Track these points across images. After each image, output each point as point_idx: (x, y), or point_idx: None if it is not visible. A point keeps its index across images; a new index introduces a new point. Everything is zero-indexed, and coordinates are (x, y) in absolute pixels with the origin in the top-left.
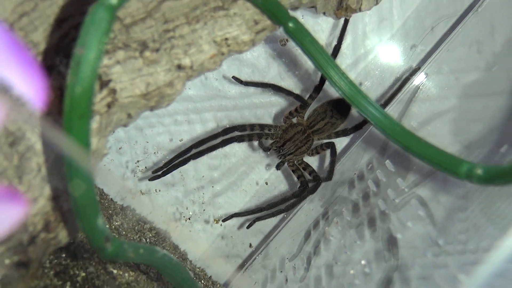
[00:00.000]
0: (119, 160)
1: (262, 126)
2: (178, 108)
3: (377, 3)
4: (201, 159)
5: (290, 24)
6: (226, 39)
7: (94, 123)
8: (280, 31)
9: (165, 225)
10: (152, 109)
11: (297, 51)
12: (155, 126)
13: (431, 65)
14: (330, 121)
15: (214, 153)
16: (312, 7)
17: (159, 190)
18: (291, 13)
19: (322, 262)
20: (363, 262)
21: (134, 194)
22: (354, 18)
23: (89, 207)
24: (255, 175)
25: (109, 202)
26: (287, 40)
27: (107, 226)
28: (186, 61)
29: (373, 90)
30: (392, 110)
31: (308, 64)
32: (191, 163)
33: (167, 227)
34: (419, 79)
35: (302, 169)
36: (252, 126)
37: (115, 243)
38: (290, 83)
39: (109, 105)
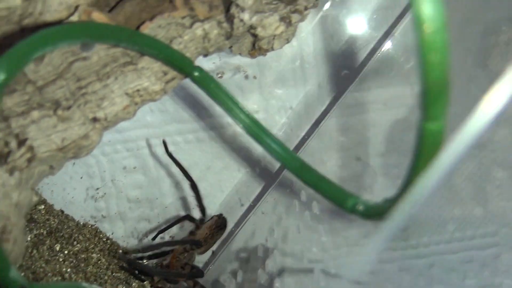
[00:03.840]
0: (80, 189)
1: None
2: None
3: (288, 42)
4: None
5: (196, 73)
6: (138, 90)
7: (13, 180)
8: None
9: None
10: (72, 158)
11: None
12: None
13: None
14: None
15: None
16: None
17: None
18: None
19: None
20: None
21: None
22: None
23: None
24: None
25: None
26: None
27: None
28: (100, 114)
29: None
30: None
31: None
32: None
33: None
34: None
35: None
36: None
37: None
38: None
39: (29, 160)
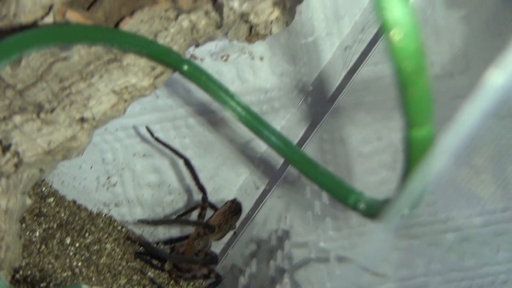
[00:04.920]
0: (90, 178)
1: None
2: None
3: (287, 25)
4: None
5: (184, 67)
6: (126, 87)
7: None
8: None
9: None
10: (63, 160)
11: None
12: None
13: None
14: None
15: None
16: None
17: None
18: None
19: None
20: None
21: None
22: None
23: None
24: None
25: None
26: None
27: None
28: (87, 114)
29: None
30: None
31: None
32: None
33: None
34: None
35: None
36: None
37: None
38: None
39: (16, 166)
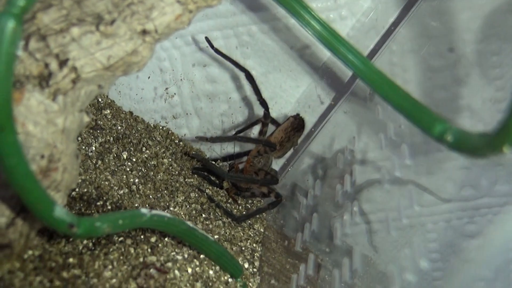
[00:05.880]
0: (148, 88)
1: None
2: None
3: None
4: None
5: None
6: None
7: (56, 105)
8: None
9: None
10: (122, 75)
11: None
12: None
13: None
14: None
15: None
16: None
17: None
18: None
19: None
20: None
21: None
22: None
23: (40, 203)
24: None
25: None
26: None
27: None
28: (149, 26)
29: None
30: None
31: None
32: None
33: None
34: None
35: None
36: None
37: (84, 225)
38: None
39: (73, 81)
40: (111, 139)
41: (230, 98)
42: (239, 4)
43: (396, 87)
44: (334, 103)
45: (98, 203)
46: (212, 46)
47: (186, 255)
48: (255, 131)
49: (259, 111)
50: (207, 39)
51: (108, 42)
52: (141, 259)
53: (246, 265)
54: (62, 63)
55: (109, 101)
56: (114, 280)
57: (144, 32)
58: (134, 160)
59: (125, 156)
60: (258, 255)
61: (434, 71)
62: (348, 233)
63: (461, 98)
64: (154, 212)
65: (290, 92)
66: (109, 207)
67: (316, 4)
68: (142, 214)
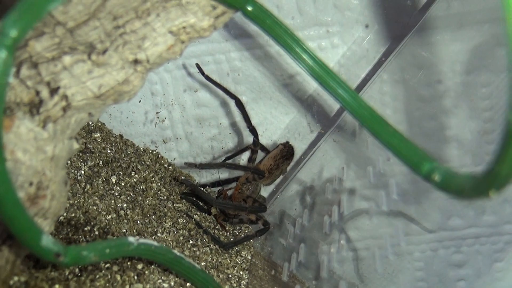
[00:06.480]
0: (139, 111)
1: None
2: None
3: None
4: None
5: (249, 8)
6: (184, 27)
7: (45, 133)
8: None
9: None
10: (113, 104)
11: None
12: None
13: None
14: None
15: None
16: None
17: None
18: None
19: None
20: None
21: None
22: None
23: (27, 232)
24: None
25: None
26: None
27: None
28: (141, 56)
29: None
30: None
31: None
32: None
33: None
34: None
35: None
36: None
37: (71, 254)
38: None
39: (64, 109)
40: (101, 162)
41: (220, 123)
42: (232, 30)
43: (385, 123)
44: (323, 131)
45: (86, 228)
46: (203, 73)
47: (172, 283)
48: (244, 157)
49: (249, 136)
50: (198, 66)
51: (100, 71)
52: (128, 287)
53: None
54: (53, 91)
55: (99, 124)
56: None
57: (136, 61)
58: (123, 184)
59: (114, 180)
60: (244, 283)
61: (424, 101)
62: (335, 266)
63: (449, 128)
64: (141, 240)
65: (280, 118)
66: (97, 233)
67: (308, 32)
68: (129, 242)
